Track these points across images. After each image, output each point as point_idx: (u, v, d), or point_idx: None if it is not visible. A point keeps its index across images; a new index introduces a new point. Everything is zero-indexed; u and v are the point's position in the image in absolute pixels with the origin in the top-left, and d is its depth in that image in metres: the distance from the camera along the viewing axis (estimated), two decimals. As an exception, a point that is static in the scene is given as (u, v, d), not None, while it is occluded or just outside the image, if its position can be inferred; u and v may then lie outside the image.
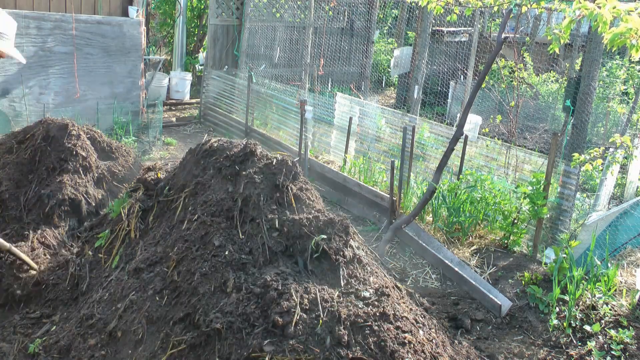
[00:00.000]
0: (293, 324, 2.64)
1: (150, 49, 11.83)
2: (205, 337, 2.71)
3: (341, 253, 3.05)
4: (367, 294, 2.90)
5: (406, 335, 2.81)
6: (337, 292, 2.87)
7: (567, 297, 4.24)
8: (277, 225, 3.10)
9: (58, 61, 7.99)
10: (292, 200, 3.23)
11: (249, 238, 3.07)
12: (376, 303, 2.86)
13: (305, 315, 2.70)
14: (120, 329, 2.97)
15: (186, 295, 2.91)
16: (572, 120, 6.98)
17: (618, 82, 10.25)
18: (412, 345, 2.79)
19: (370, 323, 2.74)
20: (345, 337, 2.65)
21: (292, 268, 2.92)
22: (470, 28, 11.59)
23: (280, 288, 2.77)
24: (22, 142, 4.87)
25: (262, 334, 2.63)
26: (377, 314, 2.81)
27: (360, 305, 2.82)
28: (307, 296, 2.77)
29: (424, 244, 5.34)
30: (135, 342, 2.88)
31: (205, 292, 2.86)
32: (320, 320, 2.67)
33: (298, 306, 2.71)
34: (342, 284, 2.94)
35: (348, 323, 2.71)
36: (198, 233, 3.13)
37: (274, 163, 3.40)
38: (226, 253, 2.97)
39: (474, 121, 9.20)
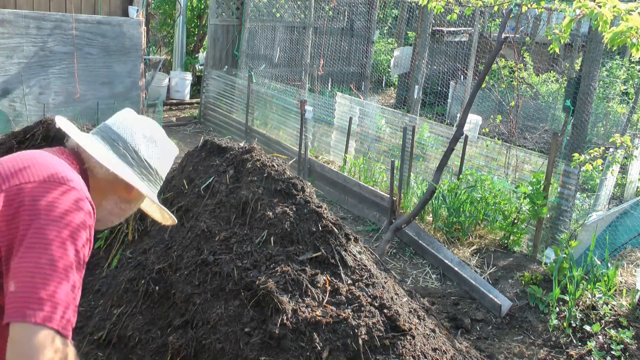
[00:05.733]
0: (289, 337, 2.62)
1: (150, 49, 11.82)
2: (202, 346, 2.70)
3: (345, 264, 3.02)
4: (372, 308, 2.86)
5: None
6: (340, 305, 2.83)
7: (567, 297, 4.24)
8: (279, 231, 3.07)
9: (58, 61, 7.99)
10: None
11: (249, 244, 3.05)
12: (379, 316, 2.83)
13: (304, 327, 2.67)
14: (116, 335, 2.96)
15: (183, 301, 2.89)
16: (572, 120, 6.98)
17: (618, 82, 10.25)
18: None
19: (375, 335, 2.72)
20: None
21: (294, 276, 2.88)
22: (470, 28, 11.58)
23: (280, 298, 2.74)
24: (22, 142, 4.85)
25: (258, 345, 2.62)
26: (381, 329, 2.78)
27: (361, 319, 2.79)
28: (308, 309, 2.75)
29: (424, 244, 5.34)
30: (130, 348, 2.87)
31: (202, 300, 2.84)
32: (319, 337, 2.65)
33: (297, 316, 2.69)
34: (347, 295, 2.91)
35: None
36: (196, 238, 3.11)
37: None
38: (225, 259, 2.95)
39: (474, 121, 9.19)
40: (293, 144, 7.73)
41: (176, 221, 1.89)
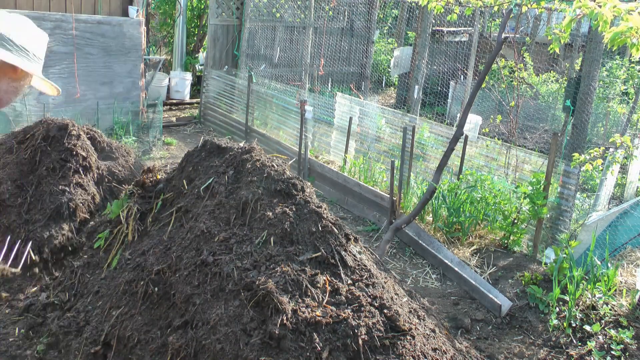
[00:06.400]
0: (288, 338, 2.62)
1: (150, 49, 11.82)
2: (202, 346, 2.70)
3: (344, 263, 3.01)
4: (372, 309, 2.85)
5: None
6: (340, 306, 2.83)
7: (567, 297, 4.24)
8: (278, 231, 3.06)
9: (58, 61, 7.99)
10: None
11: (248, 244, 3.04)
12: (379, 317, 2.82)
13: (304, 328, 2.67)
14: (115, 336, 2.95)
15: (183, 302, 2.88)
16: (572, 120, 6.98)
17: (618, 82, 10.25)
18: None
19: (375, 336, 2.71)
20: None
21: (294, 277, 2.87)
22: (470, 28, 11.58)
23: (280, 298, 2.74)
24: (22, 142, 4.86)
25: (258, 345, 2.61)
26: (381, 330, 2.77)
27: (361, 319, 2.78)
28: (308, 309, 2.74)
29: (424, 244, 5.34)
30: (130, 348, 2.87)
31: (202, 300, 2.83)
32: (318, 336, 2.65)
33: (297, 317, 2.69)
34: (347, 295, 2.90)
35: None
36: (195, 239, 3.11)
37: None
38: (225, 259, 2.95)
39: (474, 121, 9.19)
40: (293, 144, 7.73)
41: (60, 90, 2.28)
